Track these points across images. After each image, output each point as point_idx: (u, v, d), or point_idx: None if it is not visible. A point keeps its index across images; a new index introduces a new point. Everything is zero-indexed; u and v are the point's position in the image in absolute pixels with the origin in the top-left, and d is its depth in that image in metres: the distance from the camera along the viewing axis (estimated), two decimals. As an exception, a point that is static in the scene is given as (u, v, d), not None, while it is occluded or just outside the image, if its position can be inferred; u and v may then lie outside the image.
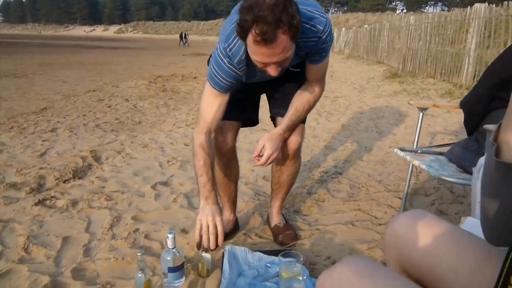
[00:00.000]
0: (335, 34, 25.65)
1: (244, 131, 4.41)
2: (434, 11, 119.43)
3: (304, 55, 1.76)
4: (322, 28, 1.63)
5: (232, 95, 1.86)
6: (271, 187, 2.30)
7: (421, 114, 2.39)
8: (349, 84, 8.95)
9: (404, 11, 74.14)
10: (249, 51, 1.55)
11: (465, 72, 7.45)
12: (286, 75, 1.91)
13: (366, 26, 19.18)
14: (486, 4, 7.14)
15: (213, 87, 1.75)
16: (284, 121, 1.89)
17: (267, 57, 1.48)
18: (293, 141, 2.00)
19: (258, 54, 1.49)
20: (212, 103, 1.79)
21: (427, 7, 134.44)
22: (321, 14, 1.65)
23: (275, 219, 2.27)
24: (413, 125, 4.65)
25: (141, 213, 2.50)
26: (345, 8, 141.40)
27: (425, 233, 0.88)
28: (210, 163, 1.79)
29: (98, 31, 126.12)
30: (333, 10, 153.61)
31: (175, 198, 2.70)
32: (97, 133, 4.43)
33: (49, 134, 4.34)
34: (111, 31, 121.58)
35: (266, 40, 1.40)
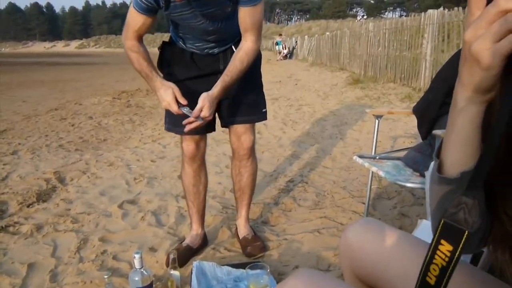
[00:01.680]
0: (298, 42, 26.06)
1: (210, 144, 4.44)
2: (393, 16, 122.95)
3: None
4: None
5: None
6: (234, 197, 2.36)
7: (377, 121, 2.48)
8: (313, 91, 9.11)
9: (365, 17, 76.00)
10: None
11: (422, 76, 7.74)
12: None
13: (328, 33, 19.57)
14: (440, 9, 7.45)
15: (135, 8, 1.79)
16: (218, 83, 1.87)
17: None
18: (246, 140, 2.12)
19: None
20: (137, 19, 1.83)
21: (386, 13, 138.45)
22: None
23: (243, 231, 2.30)
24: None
25: (108, 233, 2.48)
26: (307, 16, 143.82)
27: (375, 241, 0.93)
28: (143, 56, 1.89)
29: (59, 46, 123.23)
30: (296, 18, 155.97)
31: (142, 216, 2.70)
32: (60, 153, 4.36)
33: (10, 157, 4.23)
34: (72, 46, 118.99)
35: None
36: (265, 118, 2.20)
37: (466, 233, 0.51)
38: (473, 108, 0.57)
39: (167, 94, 1.82)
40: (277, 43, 27.06)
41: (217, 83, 1.87)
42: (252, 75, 2.08)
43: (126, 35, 1.88)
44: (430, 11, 7.58)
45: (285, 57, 25.19)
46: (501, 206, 0.66)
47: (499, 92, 0.54)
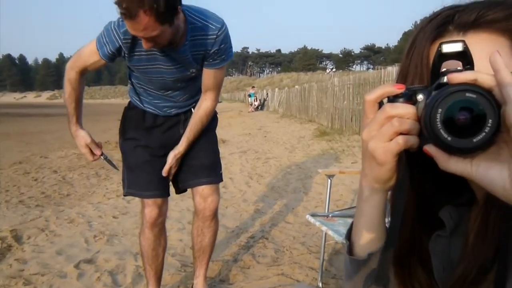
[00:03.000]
0: (269, 94, 26.74)
1: (175, 199, 4.44)
2: (361, 69, 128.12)
3: (202, 57, 1.90)
4: (219, 26, 1.83)
5: (147, 168, 2.05)
6: (193, 256, 2.35)
7: (329, 180, 2.58)
8: (281, 144, 9.30)
9: (334, 69, 79.01)
10: None
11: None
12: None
13: (297, 86, 20.23)
14: (397, 66, 7.89)
15: (97, 47, 1.84)
16: (183, 140, 2.02)
17: (132, 30, 1.63)
18: (213, 201, 2.14)
19: (126, 24, 1.63)
20: (91, 57, 1.88)
21: (354, 66, 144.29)
22: (217, 16, 1.86)
23: (201, 291, 2.30)
24: (339, 183, 4.91)
25: (61, 296, 2.43)
26: (279, 69, 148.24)
27: None
28: (77, 96, 1.98)
29: (30, 97, 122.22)
30: (268, 70, 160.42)
31: (98, 277, 2.65)
32: (20, 210, 4.26)
33: (-33, 214, 4.11)
34: (44, 97, 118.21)
35: (126, 15, 1.55)
36: (222, 180, 2.25)
37: None
38: (376, 196, 0.64)
39: (82, 146, 1.98)
40: (249, 95, 27.69)
41: (181, 141, 2.02)
42: (210, 137, 2.17)
43: (74, 64, 1.94)
44: (389, 68, 8.03)
45: (257, 108, 25.73)
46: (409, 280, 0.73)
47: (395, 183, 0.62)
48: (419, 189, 0.67)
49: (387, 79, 7.96)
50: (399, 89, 0.54)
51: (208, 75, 1.98)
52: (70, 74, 1.94)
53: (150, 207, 2.07)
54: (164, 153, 2.06)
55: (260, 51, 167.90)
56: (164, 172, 1.99)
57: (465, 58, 0.51)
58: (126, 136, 2.14)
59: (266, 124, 15.02)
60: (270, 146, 9.02)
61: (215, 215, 2.20)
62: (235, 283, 2.56)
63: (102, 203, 4.52)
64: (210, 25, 1.82)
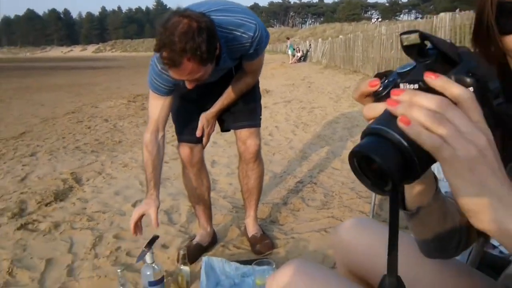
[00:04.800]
0: (312, 45, 26.09)
1: (222, 146, 4.53)
2: (408, 18, 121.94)
3: (239, 56, 1.92)
4: (252, 34, 1.79)
5: (184, 116, 2.10)
6: (243, 198, 2.43)
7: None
8: (326, 94, 9.15)
9: (379, 19, 75.57)
10: None
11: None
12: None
13: (341, 36, 19.58)
14: (451, 13, 7.44)
15: (153, 91, 1.89)
16: (217, 104, 2.06)
17: (177, 76, 1.65)
18: (252, 144, 2.19)
19: (170, 72, 1.65)
20: (155, 105, 1.92)
21: (401, 15, 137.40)
22: (250, 20, 1.80)
23: (252, 230, 2.38)
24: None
25: (122, 231, 2.57)
26: (321, 19, 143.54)
27: (365, 236, 0.99)
28: (153, 161, 1.95)
29: (76, 51, 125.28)
30: (310, 21, 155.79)
31: (155, 215, 2.78)
32: (77, 155, 4.49)
33: (29, 158, 4.38)
34: (89, 50, 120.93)
35: (170, 65, 1.56)
36: (259, 125, 2.27)
37: None
38: None
39: (137, 212, 1.87)
40: (289, 47, 27.12)
41: (216, 103, 2.06)
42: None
43: (147, 127, 1.96)
44: (441, 14, 7.59)
45: (299, 60, 25.23)
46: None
47: None
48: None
49: (440, 26, 7.53)
50: (373, 86, 0.52)
51: (247, 66, 2.02)
52: (145, 137, 1.95)
53: (182, 147, 2.18)
54: (202, 104, 2.11)
55: (302, 1, 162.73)
56: (198, 133, 2.06)
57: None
58: None
59: (310, 75, 14.76)
60: (315, 96, 8.90)
61: (256, 158, 2.25)
62: (285, 224, 2.62)
63: (152, 150, 4.66)
64: (242, 35, 1.78)
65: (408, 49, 0.48)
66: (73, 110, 7.87)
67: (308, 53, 26.59)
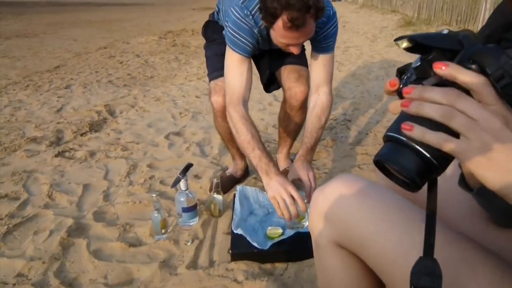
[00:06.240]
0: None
1: (254, 82, 4.44)
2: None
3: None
4: (332, 22, 1.74)
5: (218, 60, 1.93)
6: (278, 135, 2.37)
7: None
8: (361, 34, 8.78)
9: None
10: (275, 34, 1.57)
11: (481, 19, 7.26)
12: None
13: (380, -27, 18.45)
14: None
15: (237, 52, 1.70)
16: (302, 149, 1.81)
17: (295, 40, 1.54)
18: (299, 91, 2.03)
19: (287, 38, 1.54)
20: (240, 72, 1.72)
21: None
22: (329, 8, 1.69)
23: (284, 164, 2.36)
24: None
25: (155, 161, 2.61)
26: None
27: (353, 195, 0.81)
28: (258, 134, 1.71)
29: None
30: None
31: (187, 147, 2.80)
32: (110, 88, 4.51)
33: (64, 90, 4.43)
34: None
35: (297, 26, 1.45)
36: (307, 67, 2.11)
37: None
38: None
39: (278, 190, 1.56)
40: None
41: (301, 151, 1.81)
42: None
43: (231, 101, 1.70)
44: None
45: (334, -2, 24.16)
46: None
47: None
48: None
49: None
50: (393, 86, 0.53)
51: (320, 63, 1.84)
52: (239, 112, 1.68)
53: (216, 96, 1.96)
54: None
55: None
56: (307, 193, 1.70)
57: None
58: (208, 39, 2.21)
59: (344, 14, 14.13)
60: (350, 35, 8.56)
61: (302, 106, 2.08)
62: (318, 159, 2.59)
63: (184, 85, 4.64)
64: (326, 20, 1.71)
65: (409, 50, 0.51)
66: (105, 45, 7.85)
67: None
